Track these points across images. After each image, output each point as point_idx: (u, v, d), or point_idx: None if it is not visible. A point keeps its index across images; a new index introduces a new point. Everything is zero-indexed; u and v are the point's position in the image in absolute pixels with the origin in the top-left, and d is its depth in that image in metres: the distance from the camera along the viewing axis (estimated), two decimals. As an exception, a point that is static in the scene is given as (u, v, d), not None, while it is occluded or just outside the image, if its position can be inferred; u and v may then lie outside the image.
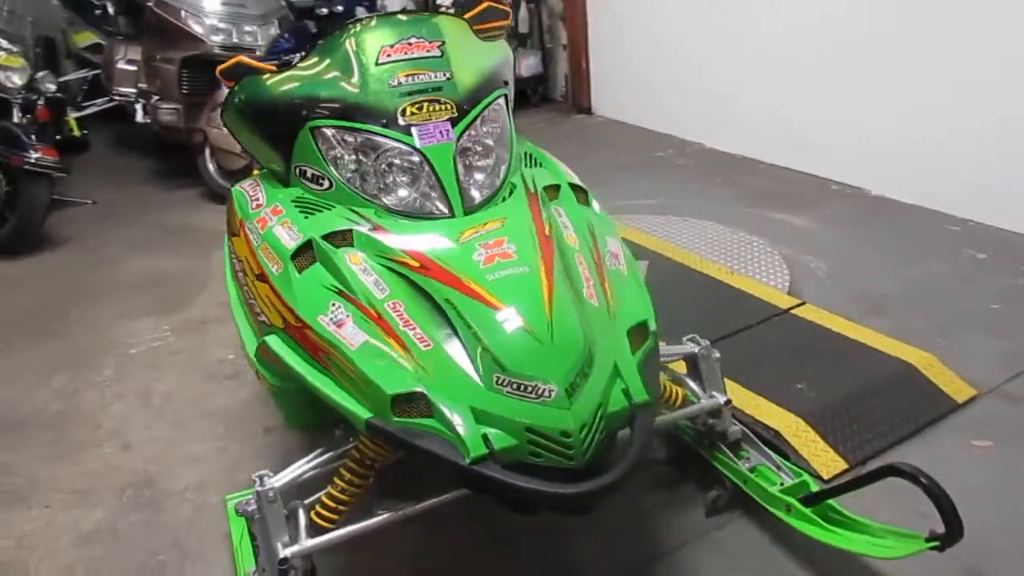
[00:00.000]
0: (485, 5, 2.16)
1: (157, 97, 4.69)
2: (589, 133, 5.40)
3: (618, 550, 1.93)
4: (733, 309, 2.76)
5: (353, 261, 1.65)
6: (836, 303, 2.87)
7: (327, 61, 1.85)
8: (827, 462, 2.08)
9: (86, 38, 6.18)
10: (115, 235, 4.27)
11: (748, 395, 2.30)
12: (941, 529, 1.53)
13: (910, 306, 2.84)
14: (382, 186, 1.75)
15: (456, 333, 1.52)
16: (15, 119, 4.14)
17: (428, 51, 1.85)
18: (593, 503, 1.51)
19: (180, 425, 2.57)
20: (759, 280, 2.96)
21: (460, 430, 1.46)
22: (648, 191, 4.15)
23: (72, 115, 5.74)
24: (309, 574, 1.75)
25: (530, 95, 6.03)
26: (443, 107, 1.79)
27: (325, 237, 1.69)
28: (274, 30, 4.69)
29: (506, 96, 1.97)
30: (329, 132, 1.77)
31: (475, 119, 1.82)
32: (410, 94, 1.78)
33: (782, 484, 1.89)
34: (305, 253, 1.69)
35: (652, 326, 1.73)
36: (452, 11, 2.18)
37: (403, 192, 1.75)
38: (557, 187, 1.91)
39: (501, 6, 2.23)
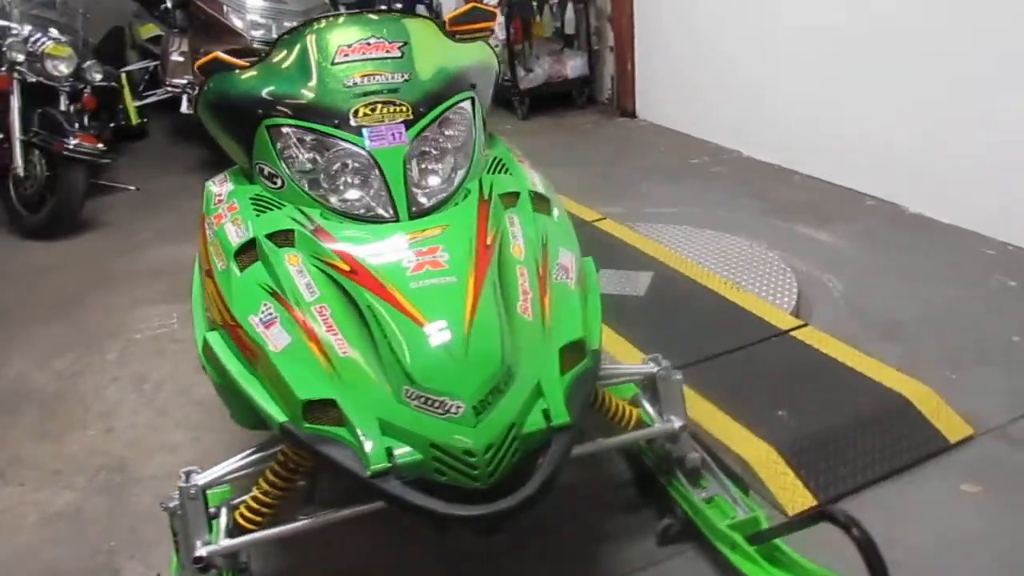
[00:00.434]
0: (470, 6, 2.11)
1: None
2: (629, 137, 5.28)
3: (562, 572, 1.86)
4: (729, 327, 2.64)
5: (291, 262, 1.63)
6: (845, 326, 2.72)
7: (288, 59, 1.84)
8: (795, 497, 1.96)
9: (149, 30, 6.41)
10: (149, 222, 4.40)
11: (724, 420, 2.19)
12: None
13: (924, 333, 2.66)
14: (331, 187, 1.73)
15: (375, 341, 1.49)
16: (62, 107, 4.31)
17: (387, 52, 1.81)
18: (495, 525, 1.46)
19: (164, 412, 2.61)
20: (764, 298, 2.83)
21: (364, 441, 1.42)
22: (674, 199, 4.03)
23: (133, 104, 5.96)
24: (240, 574, 1.75)
25: (575, 97, 5.95)
26: (398, 109, 1.75)
27: (270, 236, 1.68)
28: (315, 26, 4.75)
29: (473, 100, 1.91)
30: (284, 130, 1.76)
31: (432, 122, 1.77)
32: (364, 95, 1.75)
33: (733, 519, 1.78)
34: (249, 251, 1.68)
35: (595, 344, 1.66)
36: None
37: (352, 194, 1.72)
38: (517, 194, 1.83)
39: (487, 7, 2.19)
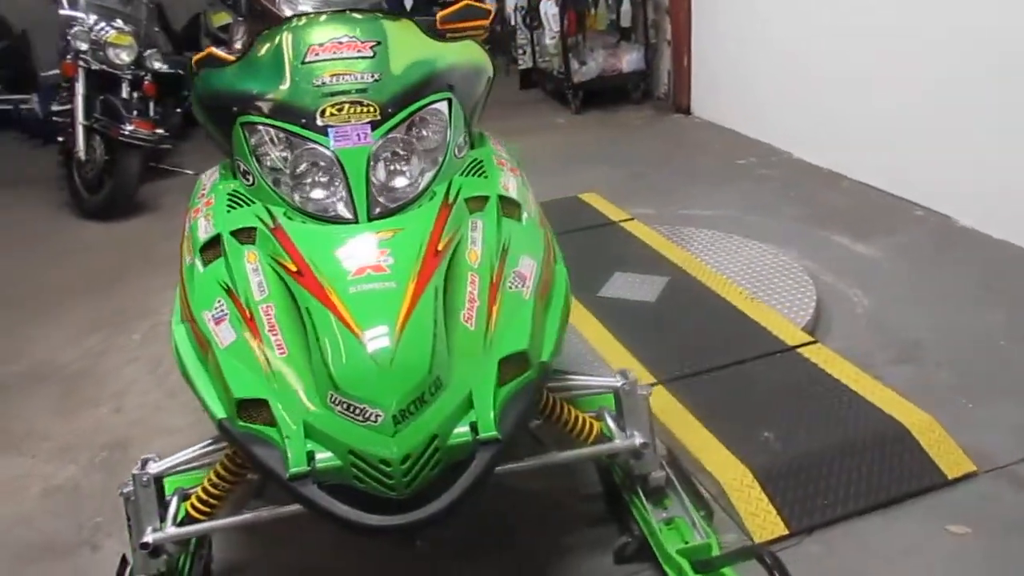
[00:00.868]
0: (463, 3, 2.09)
1: None
2: (679, 135, 5.14)
3: (512, 584, 1.84)
4: (734, 340, 2.55)
5: (249, 260, 1.65)
6: (860, 344, 2.58)
7: (265, 56, 1.86)
8: (765, 524, 1.87)
9: (221, 18, 6.62)
10: (199, 206, 4.55)
11: (705, 437, 2.12)
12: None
13: (946, 358, 2.50)
14: (296, 186, 1.74)
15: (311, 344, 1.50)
16: (123, 94, 4.50)
17: (359, 51, 1.81)
18: (409, 536, 1.46)
19: (173, 395, 2.71)
20: (779, 311, 2.71)
21: (288, 444, 1.44)
22: (712, 201, 3.91)
23: None
24: (196, 562, 1.81)
25: (631, 91, 5.83)
26: (365, 109, 1.75)
27: (236, 233, 1.71)
28: (367, 17, 4.81)
29: (451, 101, 1.89)
30: (257, 128, 1.78)
31: (400, 123, 1.76)
32: (332, 94, 1.75)
33: (687, 543, 1.72)
34: (215, 247, 1.72)
35: (544, 356, 1.62)
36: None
37: (316, 193, 1.73)
38: (486, 198, 1.80)
39: (482, 5, 2.16)
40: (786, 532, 1.86)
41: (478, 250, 1.68)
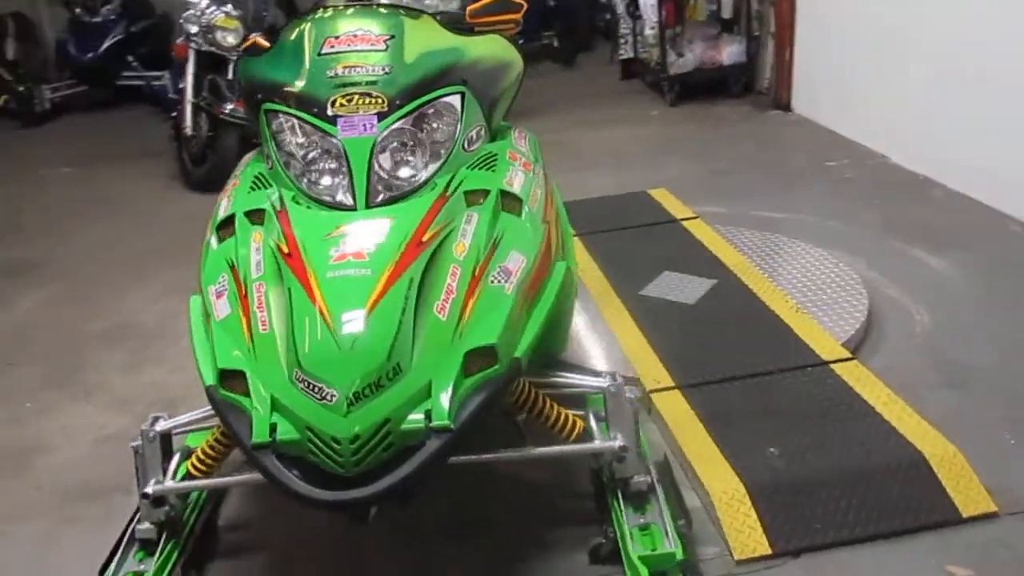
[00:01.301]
0: (496, -4, 2.12)
1: None
2: (773, 132, 4.94)
3: (488, 566, 1.87)
4: (767, 349, 2.46)
5: (255, 240, 1.77)
6: (906, 365, 2.43)
7: (289, 47, 1.96)
8: (748, 542, 1.82)
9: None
10: (291, 183, 4.80)
11: (707, 446, 2.07)
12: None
13: (999, 388, 2.31)
14: (306, 172, 1.83)
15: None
16: (228, 75, 4.79)
17: (372, 45, 1.88)
18: (356, 512, 1.52)
19: (226, 360, 2.89)
20: (823, 323, 2.59)
21: (255, 415, 1.53)
22: (789, 203, 3.75)
23: None
24: (200, 517, 1.95)
25: (731, 85, 5.64)
26: (373, 101, 1.82)
27: (248, 213, 1.83)
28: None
29: (464, 95, 1.93)
30: (276, 115, 1.89)
31: (406, 115, 1.82)
32: (344, 86, 1.83)
33: (653, 551, 1.70)
34: (231, 226, 1.84)
35: (517, 352, 1.64)
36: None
37: (323, 180, 1.82)
38: (487, 192, 1.83)
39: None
40: (768, 552, 1.80)
41: (466, 243, 1.72)
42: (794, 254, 3.09)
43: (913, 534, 1.83)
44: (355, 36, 1.88)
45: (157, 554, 1.81)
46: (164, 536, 1.84)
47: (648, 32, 5.82)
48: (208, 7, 4.70)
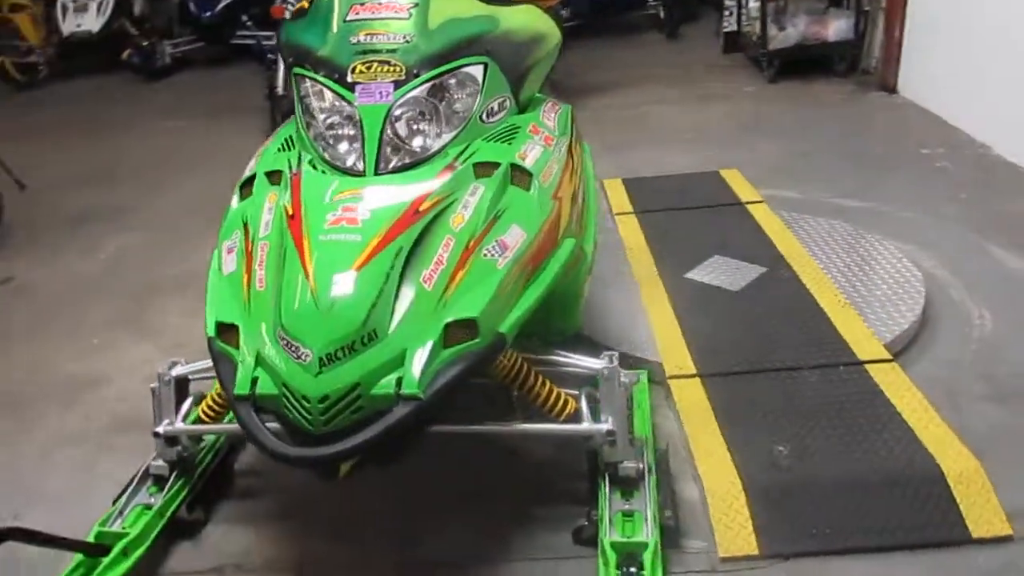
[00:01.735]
0: (532, -34, 2.09)
1: None
2: (871, 116, 4.63)
3: (473, 535, 1.90)
4: (801, 343, 2.35)
5: (270, 200, 1.84)
6: (956, 373, 2.28)
7: (320, 12, 2.00)
8: (736, 539, 1.76)
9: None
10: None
11: (714, 439, 2.01)
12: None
13: (1052, 405, 2.13)
14: (323, 136, 1.88)
15: (283, 282, 1.65)
16: None
17: (395, 12, 1.89)
18: (323, 470, 1.57)
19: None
20: (870, 320, 2.44)
21: (240, 367, 1.60)
22: (868, 192, 3.52)
23: None
24: (215, 459, 2.07)
25: (835, 63, 5.33)
26: (391, 69, 1.84)
27: (269, 174, 1.90)
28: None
29: (487, 65, 1.92)
30: (304, 79, 1.94)
31: (423, 84, 1.83)
32: (364, 53, 1.86)
33: (628, 538, 1.68)
34: (252, 185, 1.92)
35: (502, 328, 1.65)
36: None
37: (340, 145, 1.86)
38: (497, 165, 1.82)
39: (553, -30, 2.14)
40: (755, 552, 1.74)
41: (465, 215, 1.72)
42: (857, 245, 2.92)
43: (915, 551, 1.72)
44: (380, 3, 1.89)
45: (166, 489, 1.93)
46: (175, 474, 1.97)
47: (753, 4, 5.57)
48: (302, -31, 4.83)
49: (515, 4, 2.08)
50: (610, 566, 1.61)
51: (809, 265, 2.78)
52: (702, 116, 4.94)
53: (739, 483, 1.86)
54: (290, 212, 1.73)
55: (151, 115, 6.23)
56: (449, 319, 1.58)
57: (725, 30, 6.27)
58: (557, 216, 1.86)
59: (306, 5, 2.15)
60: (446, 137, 1.85)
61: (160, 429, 1.93)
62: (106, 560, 1.73)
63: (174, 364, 2.01)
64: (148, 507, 1.90)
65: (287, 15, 4.85)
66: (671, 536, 1.81)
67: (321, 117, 1.88)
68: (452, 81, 1.88)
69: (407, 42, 1.85)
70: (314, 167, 1.85)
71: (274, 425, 1.60)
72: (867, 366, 2.23)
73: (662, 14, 7.16)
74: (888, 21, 4.86)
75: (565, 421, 1.83)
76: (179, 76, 7.47)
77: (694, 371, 2.28)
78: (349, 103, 1.83)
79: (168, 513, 1.91)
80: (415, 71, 1.83)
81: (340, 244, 1.61)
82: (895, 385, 2.14)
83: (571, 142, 2.15)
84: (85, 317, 3.13)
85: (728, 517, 1.80)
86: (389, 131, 1.81)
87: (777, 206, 3.35)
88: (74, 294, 3.35)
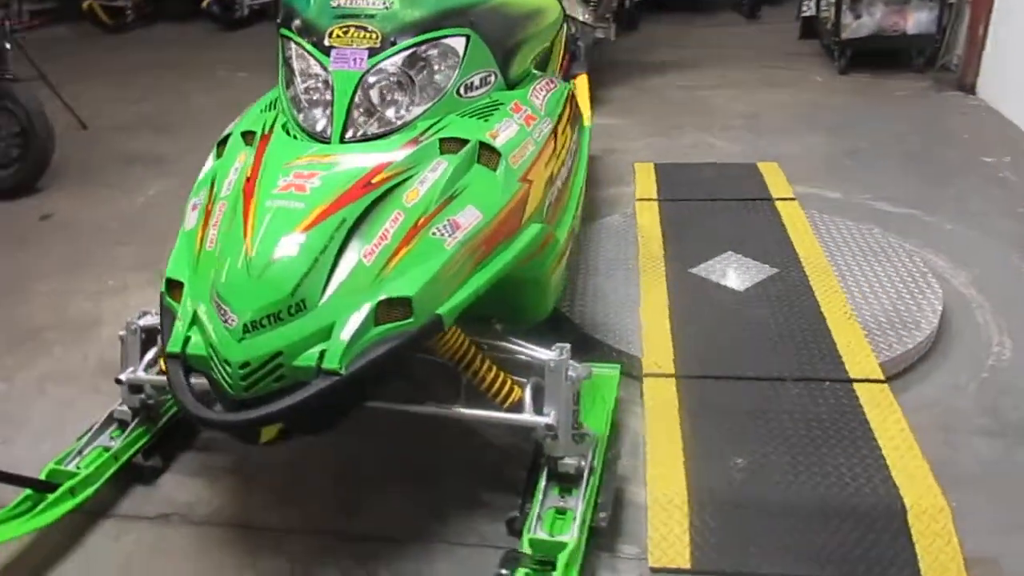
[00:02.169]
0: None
1: None
2: (940, 117, 4.32)
3: (407, 511, 1.89)
4: (790, 354, 2.23)
5: (240, 160, 1.84)
6: (954, 403, 2.14)
7: (308, -26, 1.97)
8: (668, 551, 1.69)
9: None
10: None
11: (672, 445, 1.93)
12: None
13: (1054, 446, 1.96)
14: (298, 100, 1.87)
15: (232, 243, 1.65)
16: None
17: (378, -23, 1.85)
18: (240, 435, 1.57)
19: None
20: (871, 336, 2.29)
21: (177, 325, 1.62)
22: (916, 197, 3.31)
23: None
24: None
25: (913, 58, 5.01)
26: (368, 36, 1.81)
27: (244, 134, 1.91)
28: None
29: (469, 38, 1.87)
30: (288, 41, 1.93)
31: (398, 53, 1.80)
32: (343, 17, 1.84)
33: (550, 536, 1.63)
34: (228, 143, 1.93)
35: (440, 309, 1.61)
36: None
37: (315, 111, 1.85)
38: (465, 142, 1.78)
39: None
40: (687, 566, 1.66)
41: (421, 191, 1.69)
42: (882, 254, 2.74)
43: (858, 586, 1.62)
44: (365, -33, 1.86)
45: (125, 435, 1.98)
46: (137, 420, 2.01)
47: (832, -12, 5.27)
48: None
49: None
50: (525, 562, 1.57)
51: (824, 271, 2.63)
52: (761, 103, 4.73)
53: (685, 493, 1.78)
54: (248, 174, 1.73)
55: (221, 65, 6.36)
56: (383, 296, 1.56)
57: (804, 14, 5.98)
58: (522, 199, 1.80)
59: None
60: (418, 109, 1.82)
61: (123, 376, 1.98)
62: (51, 497, 1.79)
63: (144, 314, 2.05)
64: (107, 449, 1.96)
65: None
66: (606, 539, 1.75)
67: (299, 80, 1.87)
68: (431, 52, 1.84)
69: (386, 8, 1.82)
70: (287, 131, 1.84)
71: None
72: (855, 385, 2.09)
73: (743, -6, 6.89)
74: (973, 16, 4.52)
75: (508, 410, 1.79)
76: (256, 28, 7.62)
77: (672, 371, 2.19)
78: (324, 68, 1.81)
79: (123, 458, 1.96)
80: (392, 39, 1.80)
81: (283, 211, 1.60)
82: (880, 408, 2.01)
83: (559, 123, 2.08)
84: (109, 258, 3.23)
85: (666, 527, 1.73)
86: (359, 99, 1.78)
87: (811, 205, 3.18)
88: (105, 234, 3.47)
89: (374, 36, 1.80)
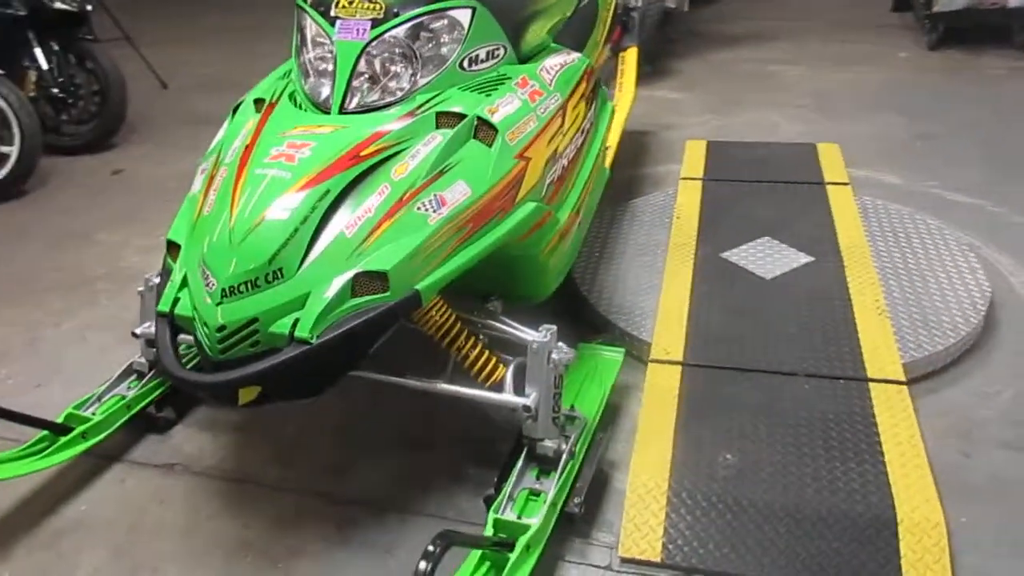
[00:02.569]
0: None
1: None
2: (1021, 102, 4.02)
3: (391, 480, 1.92)
4: (810, 347, 2.14)
5: (248, 126, 1.88)
6: (979, 412, 2.00)
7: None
8: (640, 542, 1.66)
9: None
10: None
11: (662, 434, 1.89)
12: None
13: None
14: (306, 69, 1.89)
15: (227, 209, 1.69)
16: None
17: (387, -52, 1.83)
18: (215, 396, 1.62)
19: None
20: (901, 334, 2.16)
21: (168, 286, 1.68)
22: (985, 188, 3.09)
23: None
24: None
25: (1015, 34, 4.63)
26: (371, 6, 1.81)
27: (257, 101, 1.95)
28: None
29: (475, 10, 1.84)
30: (301, 11, 1.94)
31: (400, 24, 1.79)
32: (349, -13, 1.83)
33: (518, 517, 1.63)
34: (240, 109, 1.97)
35: (418, 284, 1.61)
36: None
37: (321, 80, 1.86)
38: (463, 116, 1.76)
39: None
40: (657, 559, 1.63)
41: (411, 164, 1.68)
42: (933, 247, 2.58)
43: (833, 597, 1.55)
44: (373, -63, 1.85)
45: (140, 386, 2.08)
46: (153, 372, 2.11)
47: (928, -43, 4.92)
48: None
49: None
50: (487, 543, 1.57)
51: (863, 262, 2.49)
52: (837, 81, 4.50)
53: (665, 485, 1.74)
54: (247, 141, 1.76)
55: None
56: (360, 269, 1.57)
57: (898, -15, 5.62)
58: (518, 176, 1.77)
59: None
60: (420, 82, 1.80)
61: (138, 330, 2.07)
62: (63, 439, 1.90)
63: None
64: (123, 398, 2.06)
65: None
66: (584, 525, 1.74)
67: (308, 50, 1.88)
68: (435, 24, 1.82)
69: (392, -22, 1.80)
70: (294, 100, 1.86)
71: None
72: (871, 384, 1.99)
73: (840, -39, 6.51)
74: (1082, -11, 4.14)
75: (491, 389, 1.78)
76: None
77: (680, 358, 2.13)
78: (330, 38, 1.82)
79: (136, 408, 2.06)
80: (395, 10, 1.78)
81: (270, 179, 1.62)
82: (893, 411, 1.90)
83: (570, 99, 2.03)
84: (165, 214, 3.35)
85: (641, 517, 1.70)
86: (361, 69, 1.78)
87: (866, 191, 3.01)
88: (165, 191, 3.62)
89: (377, 7, 1.79)
